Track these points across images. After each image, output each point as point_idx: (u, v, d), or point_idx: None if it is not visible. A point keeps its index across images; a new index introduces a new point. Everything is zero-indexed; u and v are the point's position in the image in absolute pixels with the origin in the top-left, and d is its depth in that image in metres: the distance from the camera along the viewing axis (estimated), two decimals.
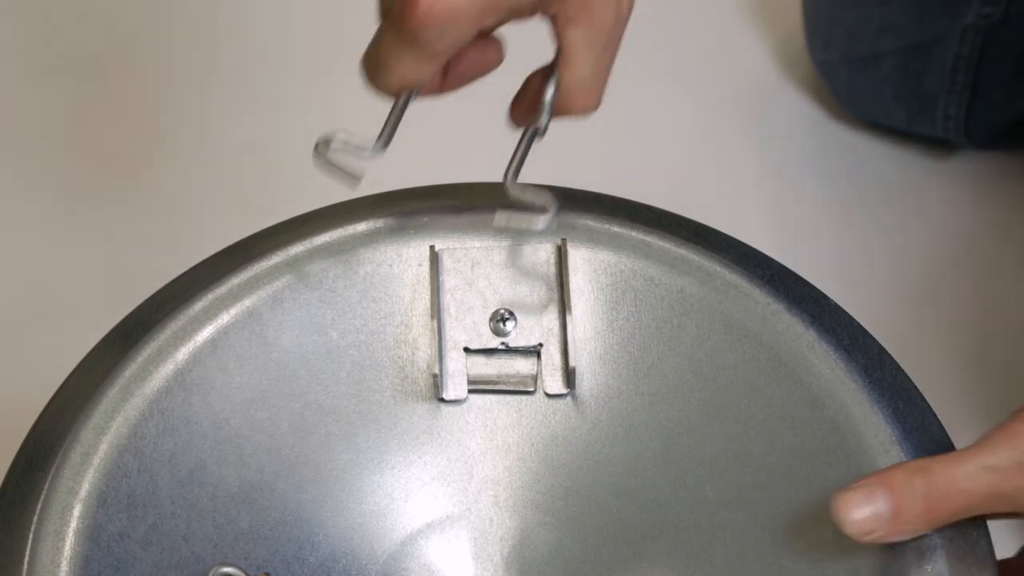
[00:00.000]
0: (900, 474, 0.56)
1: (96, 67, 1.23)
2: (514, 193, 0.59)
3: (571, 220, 0.64)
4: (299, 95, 1.20)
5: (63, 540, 0.58)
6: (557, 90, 0.59)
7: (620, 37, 0.59)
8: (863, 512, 0.55)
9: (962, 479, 0.56)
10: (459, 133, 1.07)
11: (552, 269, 0.63)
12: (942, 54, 1.06)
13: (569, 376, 0.62)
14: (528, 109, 0.61)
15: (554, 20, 0.58)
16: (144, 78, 1.22)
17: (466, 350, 0.62)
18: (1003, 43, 1.05)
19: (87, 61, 1.23)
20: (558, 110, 0.60)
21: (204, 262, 0.64)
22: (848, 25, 1.11)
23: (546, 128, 0.60)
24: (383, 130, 0.59)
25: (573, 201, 0.64)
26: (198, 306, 0.62)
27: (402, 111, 0.59)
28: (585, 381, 0.62)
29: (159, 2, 1.28)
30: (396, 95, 0.59)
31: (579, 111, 0.60)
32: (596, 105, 0.60)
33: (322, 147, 0.58)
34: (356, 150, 0.59)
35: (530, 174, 0.61)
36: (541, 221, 0.59)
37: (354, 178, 0.59)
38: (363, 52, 0.58)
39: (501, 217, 0.60)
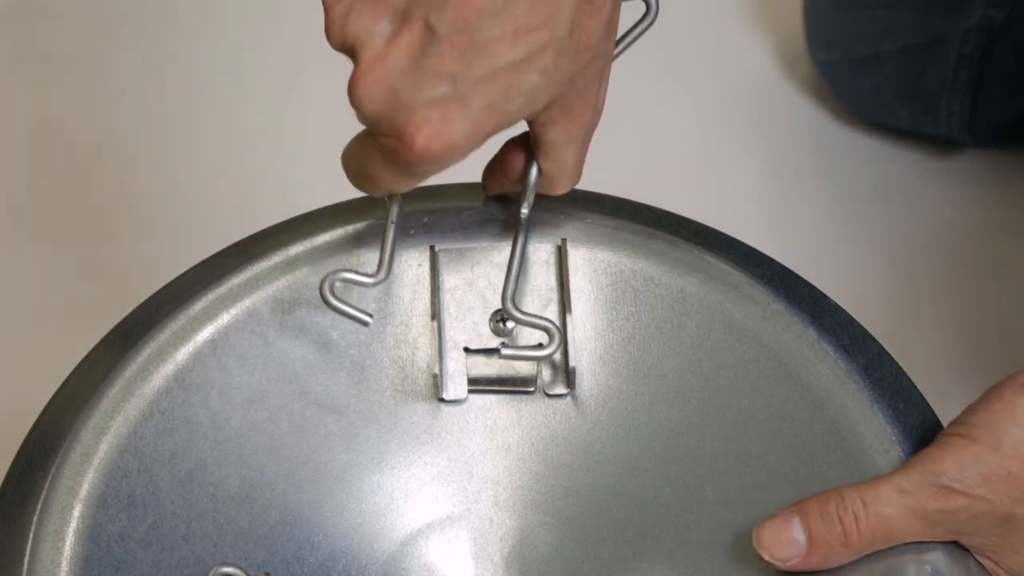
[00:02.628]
0: (816, 501, 0.57)
1: (104, 62, 1.23)
2: (517, 316, 0.60)
3: (571, 220, 0.64)
4: (300, 95, 1.20)
5: (63, 540, 0.58)
6: (539, 175, 0.61)
7: (596, 125, 0.60)
8: (779, 539, 0.57)
9: (876, 503, 0.56)
10: None
11: (552, 269, 0.63)
12: (945, 53, 1.06)
13: (569, 376, 0.62)
14: (502, 180, 0.62)
15: (533, 121, 0.58)
16: (145, 76, 1.22)
17: (466, 350, 0.62)
18: (1007, 43, 1.04)
19: (91, 58, 1.23)
20: (539, 190, 0.61)
21: (204, 262, 0.64)
22: (849, 25, 1.11)
23: (530, 208, 0.62)
24: (380, 259, 0.60)
25: (573, 201, 0.64)
26: (198, 306, 0.62)
27: (394, 242, 0.60)
28: (585, 381, 0.62)
29: None
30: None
31: (561, 192, 0.62)
32: (576, 183, 0.62)
33: (328, 291, 0.59)
34: (360, 285, 0.60)
35: None
36: (547, 348, 0.59)
37: (366, 316, 0.60)
38: (343, 151, 0.57)
39: (507, 351, 0.61)
